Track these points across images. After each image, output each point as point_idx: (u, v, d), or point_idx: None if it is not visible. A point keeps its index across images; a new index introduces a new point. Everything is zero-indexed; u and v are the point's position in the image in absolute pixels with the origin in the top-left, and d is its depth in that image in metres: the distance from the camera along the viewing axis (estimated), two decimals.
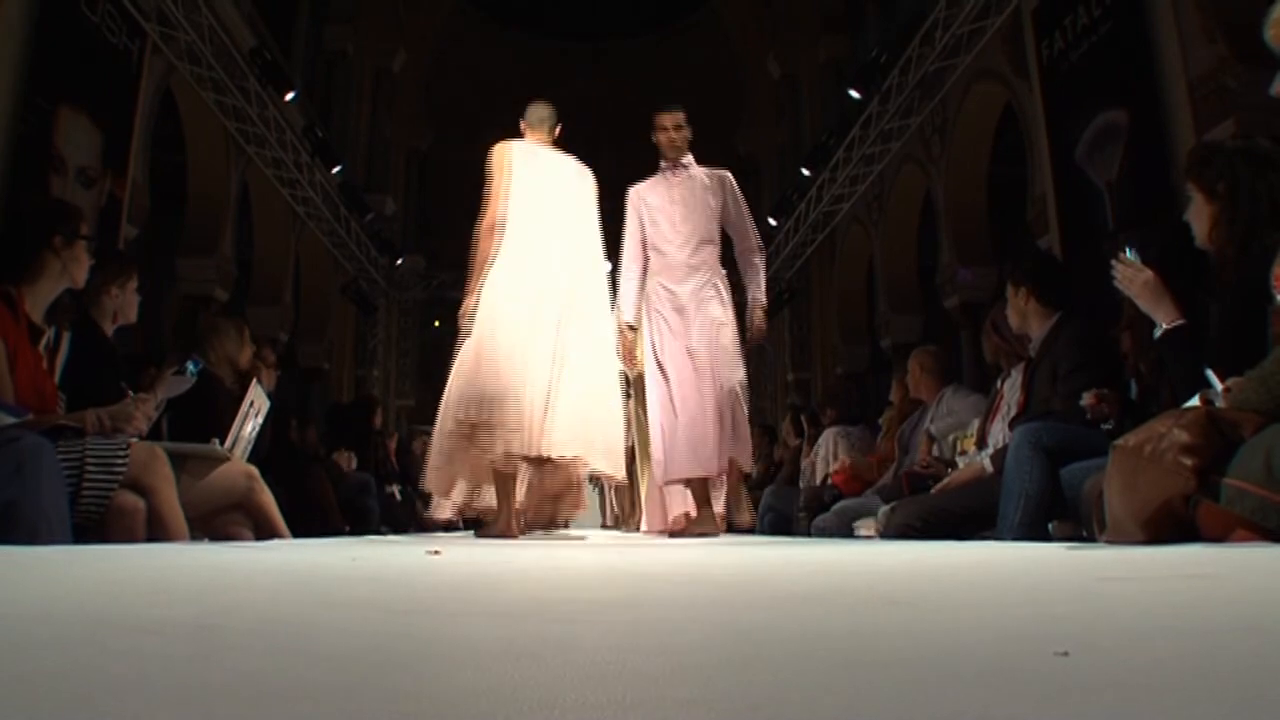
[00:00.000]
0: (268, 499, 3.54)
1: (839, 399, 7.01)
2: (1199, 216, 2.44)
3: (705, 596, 1.22)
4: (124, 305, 3.41)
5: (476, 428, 3.61)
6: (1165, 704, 0.48)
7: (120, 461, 2.68)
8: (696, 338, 4.39)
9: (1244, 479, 1.84)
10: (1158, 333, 2.46)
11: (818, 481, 5.85)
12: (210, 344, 4.23)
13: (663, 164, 4.64)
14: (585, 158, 4.21)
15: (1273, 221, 2.24)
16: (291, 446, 6.14)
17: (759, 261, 4.63)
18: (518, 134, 4.17)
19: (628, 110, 15.82)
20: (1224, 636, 0.73)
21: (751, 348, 4.83)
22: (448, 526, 8.47)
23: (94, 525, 2.63)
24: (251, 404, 3.61)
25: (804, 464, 6.28)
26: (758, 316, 4.60)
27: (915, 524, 3.66)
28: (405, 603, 1.13)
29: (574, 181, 4.12)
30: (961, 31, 7.89)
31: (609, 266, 4.28)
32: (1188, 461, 1.92)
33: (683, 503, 4.64)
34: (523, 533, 3.84)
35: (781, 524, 6.01)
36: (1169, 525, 1.96)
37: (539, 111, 4.20)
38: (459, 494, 3.87)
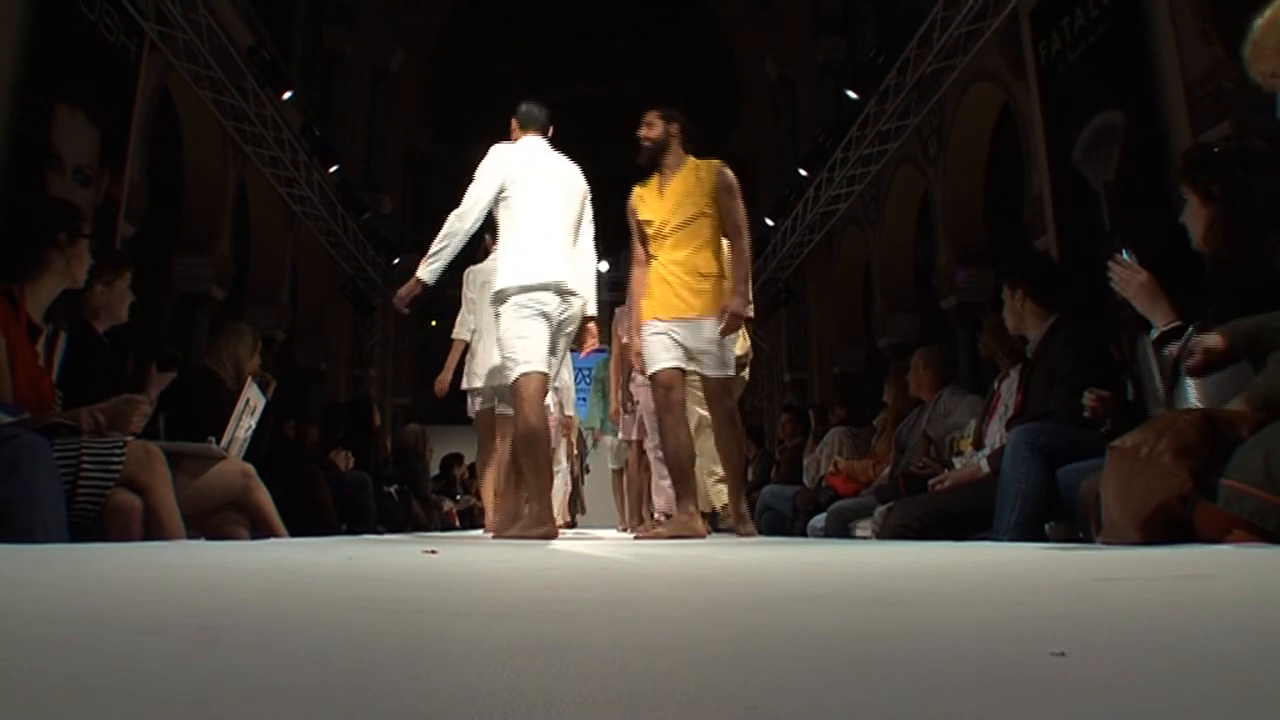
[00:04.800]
0: (264, 498, 3.54)
1: (849, 398, 7.04)
2: (1195, 219, 2.44)
3: (702, 597, 1.22)
4: (110, 302, 3.36)
5: None
6: (1162, 705, 0.48)
7: (116, 460, 2.68)
8: None
9: (1242, 480, 1.84)
10: (1154, 334, 2.46)
11: (820, 475, 5.86)
12: (223, 343, 4.24)
13: None
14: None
15: (1268, 223, 2.24)
16: (288, 445, 6.14)
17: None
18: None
19: (625, 110, 15.82)
20: (1221, 638, 0.73)
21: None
22: (443, 527, 8.48)
23: (90, 524, 2.63)
24: (247, 403, 3.61)
25: (807, 460, 6.28)
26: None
27: (912, 525, 3.67)
28: (402, 602, 1.13)
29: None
30: (959, 33, 7.90)
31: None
32: (1185, 463, 1.92)
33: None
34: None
35: (778, 524, 6.01)
36: (1166, 526, 1.97)
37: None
38: None
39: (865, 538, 4.48)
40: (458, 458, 10.57)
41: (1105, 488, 2.11)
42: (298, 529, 3.99)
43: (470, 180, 4.00)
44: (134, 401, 2.88)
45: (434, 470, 9.96)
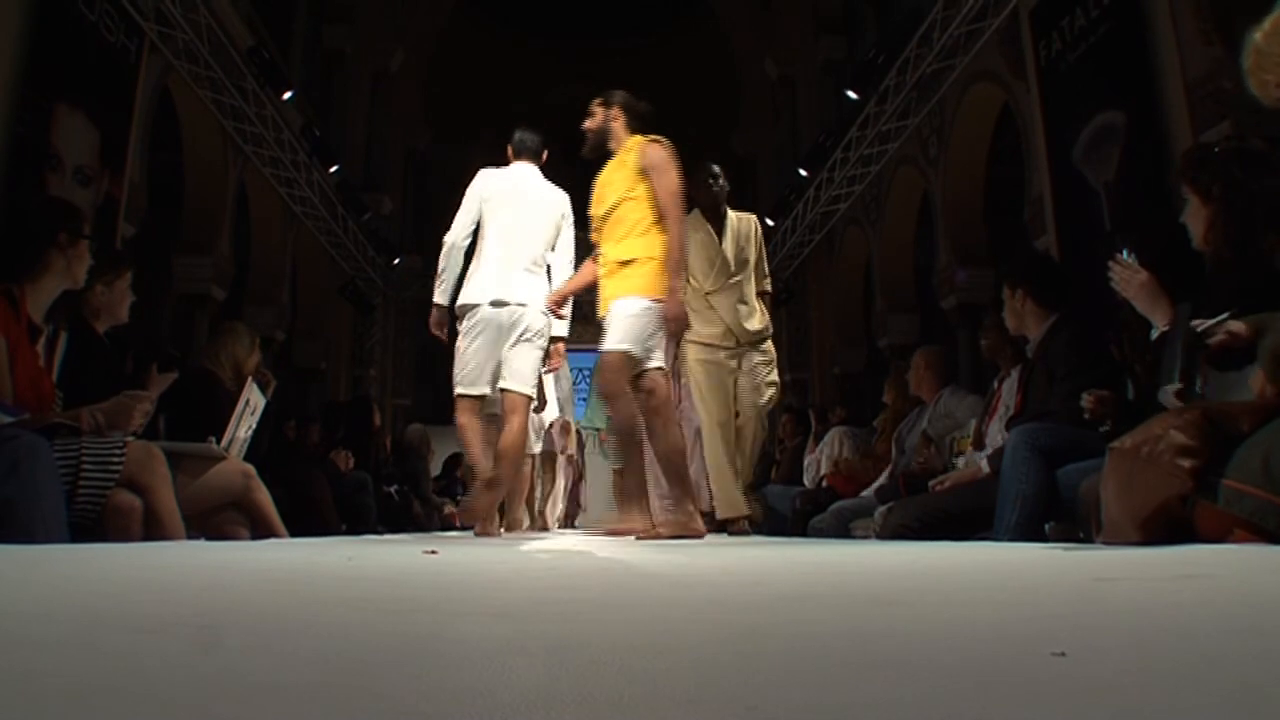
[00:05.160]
0: (265, 498, 3.54)
1: (849, 398, 7.04)
2: (1195, 219, 2.44)
3: (702, 597, 1.22)
4: (111, 303, 3.37)
5: None
6: (1162, 705, 0.48)
7: (116, 460, 2.68)
8: None
9: (1242, 480, 1.84)
10: (1154, 334, 2.46)
11: (821, 475, 5.86)
12: (220, 343, 4.25)
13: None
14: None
15: (1268, 223, 2.24)
16: (289, 445, 6.14)
17: None
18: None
19: None
20: (1222, 637, 0.73)
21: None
22: (445, 527, 8.47)
23: (90, 524, 2.63)
24: (247, 403, 3.61)
25: (807, 460, 6.28)
26: None
27: (912, 525, 3.67)
28: (402, 602, 1.13)
29: None
30: (959, 33, 7.90)
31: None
32: (1185, 463, 1.92)
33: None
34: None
35: (778, 524, 6.01)
36: (1166, 526, 1.97)
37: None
38: None
39: (865, 538, 4.48)
40: (458, 458, 10.57)
41: (1105, 488, 2.10)
42: (298, 529, 3.99)
43: (469, 181, 4.14)
44: (135, 397, 2.88)
45: (436, 470, 9.96)
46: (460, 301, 4.07)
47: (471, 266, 4.12)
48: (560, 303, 4.19)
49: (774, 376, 4.87)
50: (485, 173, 4.21)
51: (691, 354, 4.71)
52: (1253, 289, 2.18)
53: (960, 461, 4.10)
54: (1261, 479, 1.81)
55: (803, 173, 10.97)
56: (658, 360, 3.77)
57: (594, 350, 7.31)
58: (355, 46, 13.03)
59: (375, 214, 12.42)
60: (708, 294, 4.70)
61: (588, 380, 8.74)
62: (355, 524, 5.75)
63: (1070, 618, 0.91)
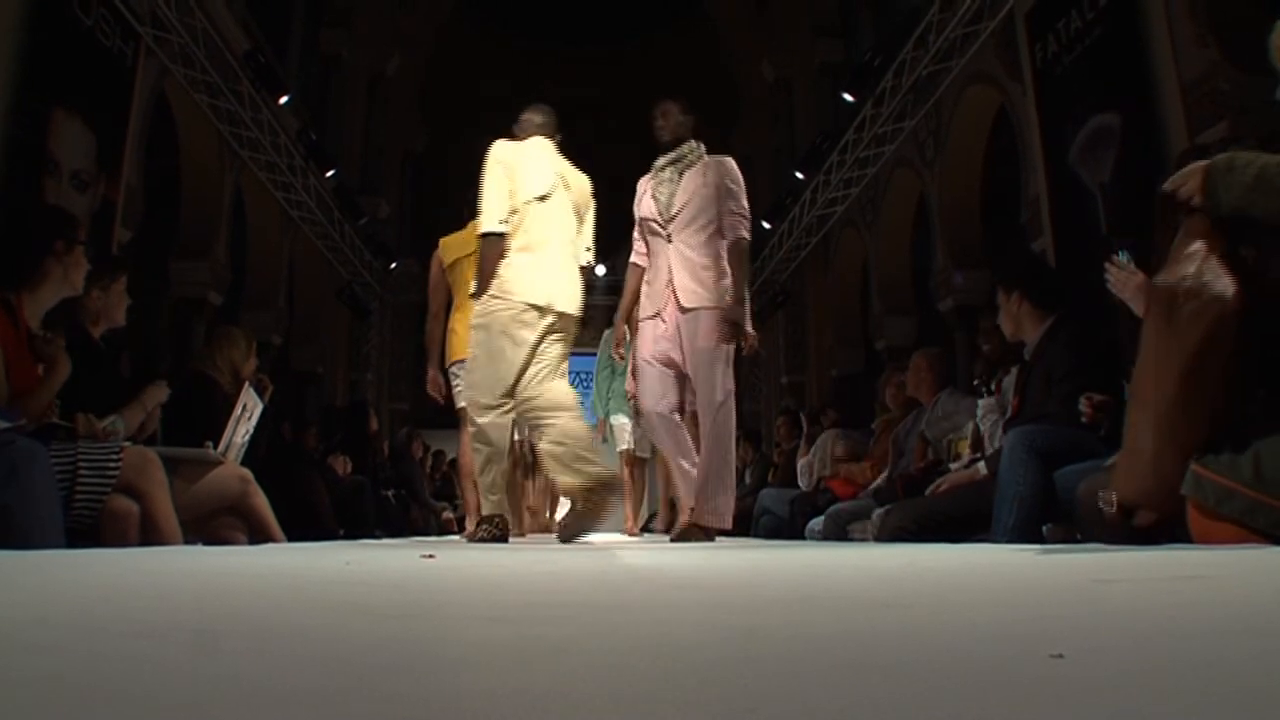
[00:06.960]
0: (262, 502, 3.53)
1: (842, 401, 7.02)
2: None
3: (700, 599, 1.22)
4: (107, 307, 3.37)
5: None
6: (1162, 706, 0.48)
7: (113, 465, 2.68)
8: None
9: (1233, 479, 1.84)
10: None
11: (813, 479, 5.85)
12: (217, 348, 4.24)
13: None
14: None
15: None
16: (286, 448, 6.14)
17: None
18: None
19: (622, 113, 15.77)
20: (1220, 638, 0.73)
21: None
22: (444, 531, 8.47)
23: (87, 529, 2.62)
24: (244, 408, 3.61)
25: (800, 464, 6.28)
26: None
27: (910, 527, 3.67)
28: (400, 606, 1.13)
29: None
30: (955, 35, 7.91)
31: None
32: (1227, 279, 1.88)
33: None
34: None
35: (776, 527, 6.01)
36: (1211, 371, 1.89)
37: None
38: None
39: (863, 540, 4.48)
40: (444, 456, 10.55)
41: (1145, 341, 1.98)
42: (295, 534, 3.98)
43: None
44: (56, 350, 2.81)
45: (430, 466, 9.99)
46: None
47: None
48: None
49: None
50: None
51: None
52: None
53: (955, 465, 4.10)
54: (1251, 479, 1.81)
55: (799, 175, 10.98)
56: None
57: (591, 354, 7.26)
58: (352, 50, 13.04)
59: (372, 218, 12.42)
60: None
61: (585, 384, 8.82)
62: (353, 528, 5.75)
63: (1068, 619, 0.91)
